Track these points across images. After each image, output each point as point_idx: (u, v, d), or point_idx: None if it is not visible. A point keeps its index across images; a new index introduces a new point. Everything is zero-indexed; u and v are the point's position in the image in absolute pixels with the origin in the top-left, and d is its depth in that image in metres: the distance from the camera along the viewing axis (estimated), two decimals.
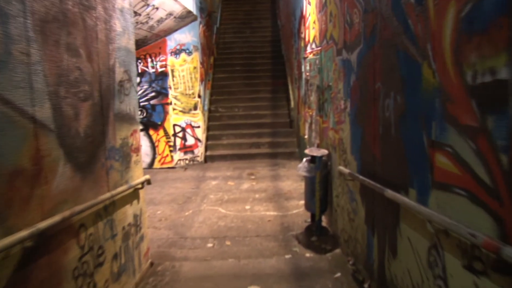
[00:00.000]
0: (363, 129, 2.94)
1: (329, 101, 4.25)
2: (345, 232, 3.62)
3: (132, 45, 3.26)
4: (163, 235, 4.30)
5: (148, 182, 3.44)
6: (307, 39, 5.97)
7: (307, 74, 5.94)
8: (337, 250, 3.75)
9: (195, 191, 5.99)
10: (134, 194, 3.23)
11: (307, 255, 3.71)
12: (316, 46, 5.11)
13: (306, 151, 4.43)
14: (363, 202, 3.00)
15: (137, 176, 3.31)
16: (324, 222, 4.47)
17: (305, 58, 6.22)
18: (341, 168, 3.43)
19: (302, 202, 5.30)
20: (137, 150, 3.34)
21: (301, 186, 6.05)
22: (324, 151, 4.33)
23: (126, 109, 3.10)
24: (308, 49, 5.82)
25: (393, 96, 2.26)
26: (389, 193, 2.18)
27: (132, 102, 3.23)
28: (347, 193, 3.50)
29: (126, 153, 3.07)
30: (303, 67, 6.51)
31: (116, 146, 2.85)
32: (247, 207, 5.18)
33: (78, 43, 2.26)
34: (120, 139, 2.94)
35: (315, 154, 4.26)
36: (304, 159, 4.47)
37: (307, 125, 6.25)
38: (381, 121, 2.49)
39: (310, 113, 5.72)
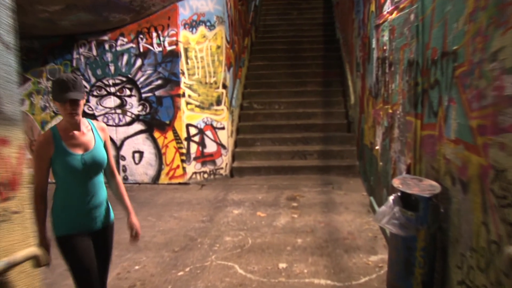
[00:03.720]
0: None
1: (447, 85, 2.08)
2: None
3: None
4: None
5: (38, 262, 1.49)
6: None
7: (384, 48, 3.74)
8: None
9: (205, 226, 4.00)
10: None
11: None
12: None
13: (396, 184, 2.28)
14: None
15: None
16: None
17: (378, 25, 4.03)
18: None
19: (374, 258, 3.15)
20: (6, 186, 1.40)
21: (368, 224, 3.87)
22: (434, 185, 2.16)
23: None
24: (386, 8, 3.64)
25: None
26: None
27: None
28: None
29: None
30: (373, 41, 4.32)
31: None
32: (282, 265, 3.11)
33: None
34: None
35: (415, 191, 2.11)
36: (391, 199, 2.32)
37: (379, 130, 4.04)
38: None
39: (390, 111, 3.52)
